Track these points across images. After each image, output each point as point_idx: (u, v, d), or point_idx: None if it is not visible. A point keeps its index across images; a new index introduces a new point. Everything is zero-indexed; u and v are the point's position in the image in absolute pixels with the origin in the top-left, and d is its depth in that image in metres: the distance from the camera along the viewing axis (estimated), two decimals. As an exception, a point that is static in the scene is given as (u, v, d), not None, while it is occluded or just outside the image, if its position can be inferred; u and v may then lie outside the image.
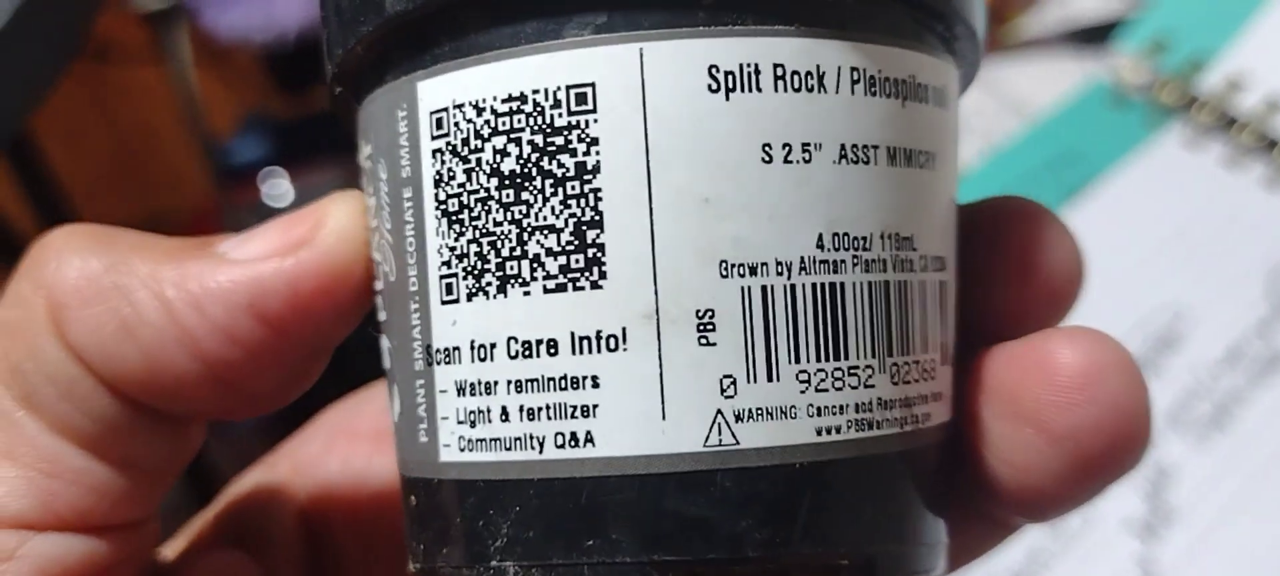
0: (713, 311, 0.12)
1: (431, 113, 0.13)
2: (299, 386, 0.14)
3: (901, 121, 0.12)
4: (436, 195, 0.13)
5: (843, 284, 0.12)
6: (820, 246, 0.12)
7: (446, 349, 0.13)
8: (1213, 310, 0.38)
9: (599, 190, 0.12)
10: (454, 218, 0.13)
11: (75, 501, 0.13)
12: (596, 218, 0.12)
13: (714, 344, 0.12)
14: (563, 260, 0.12)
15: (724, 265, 0.12)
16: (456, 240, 0.13)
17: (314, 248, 0.13)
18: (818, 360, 0.12)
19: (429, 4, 0.12)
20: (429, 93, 0.13)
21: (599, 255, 0.12)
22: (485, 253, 0.12)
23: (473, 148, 0.12)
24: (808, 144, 0.12)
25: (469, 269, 0.12)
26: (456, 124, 0.12)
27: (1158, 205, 0.40)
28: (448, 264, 0.13)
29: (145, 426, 0.13)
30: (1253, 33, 0.42)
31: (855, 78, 0.12)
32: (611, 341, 0.12)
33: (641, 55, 0.12)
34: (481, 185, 0.12)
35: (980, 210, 0.14)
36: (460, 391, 0.12)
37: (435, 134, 0.13)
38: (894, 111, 0.12)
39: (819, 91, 0.12)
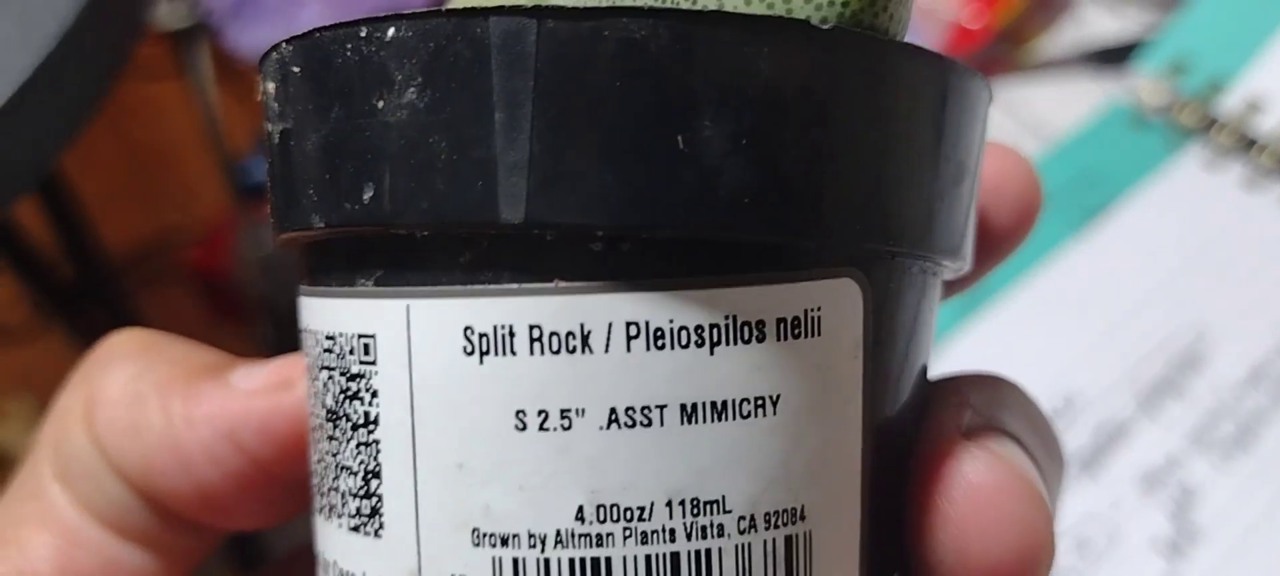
0: None
1: (302, 328, 0.13)
2: (278, 515, 0.15)
3: (706, 373, 0.11)
4: (309, 406, 0.13)
5: (609, 558, 0.11)
6: (580, 518, 0.11)
7: (317, 554, 0.13)
8: (1235, 331, 0.38)
9: (379, 443, 0.12)
10: (311, 434, 0.13)
11: (92, 571, 0.14)
12: (377, 469, 0.12)
13: None
14: (356, 504, 0.12)
15: (476, 533, 0.11)
16: (312, 457, 0.13)
17: (294, 391, 0.14)
18: None
19: (302, 235, 0.12)
20: (303, 308, 0.13)
21: (379, 506, 0.12)
22: (321, 477, 0.13)
23: (314, 375, 0.13)
24: (567, 410, 0.11)
25: (316, 487, 0.13)
26: (309, 347, 0.13)
27: (1178, 226, 0.41)
28: (312, 474, 0.13)
29: (160, 516, 0.15)
30: (1272, 54, 0.42)
31: (632, 333, 0.11)
32: None
33: (408, 312, 0.11)
34: (317, 411, 0.13)
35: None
36: None
37: (307, 349, 0.13)
38: (694, 363, 0.11)
39: (583, 353, 0.11)
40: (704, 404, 0.11)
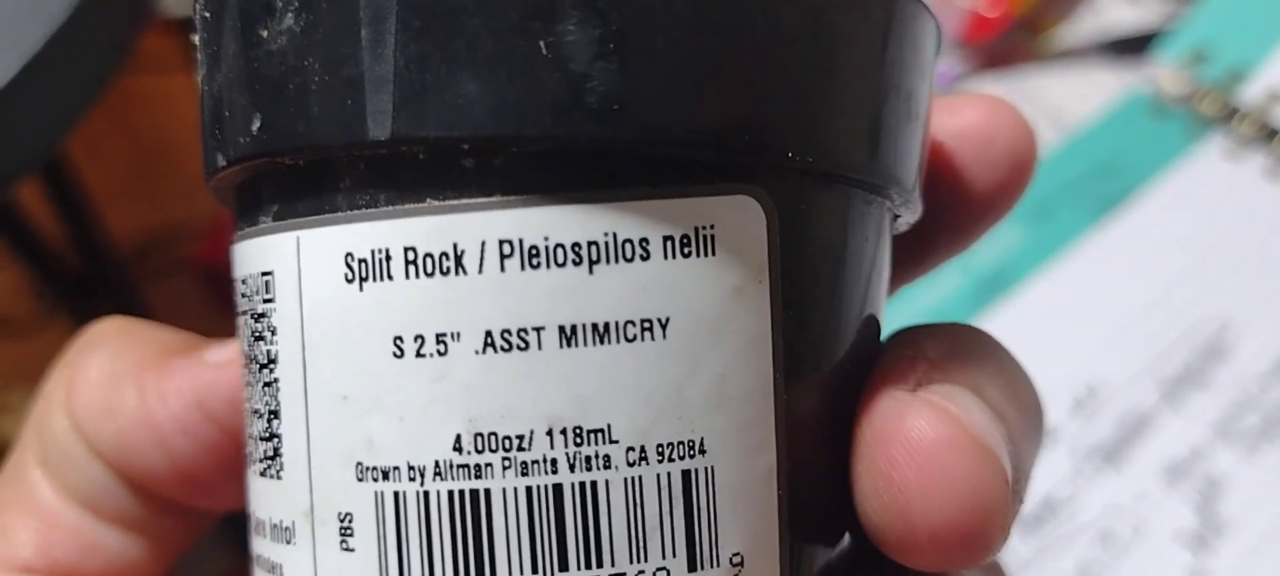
0: (351, 516, 0.11)
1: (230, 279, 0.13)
2: None
3: (586, 293, 0.11)
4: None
5: (489, 491, 0.11)
6: (458, 448, 0.11)
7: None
8: (1259, 322, 0.38)
9: (278, 381, 0.12)
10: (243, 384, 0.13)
11: (71, 555, 0.15)
12: (276, 409, 0.12)
13: (353, 550, 0.11)
14: (263, 447, 0.12)
15: (360, 467, 0.11)
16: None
17: None
18: None
19: (230, 171, 0.12)
20: (231, 259, 0.13)
21: (279, 447, 0.12)
22: (246, 428, 0.13)
23: (238, 325, 0.13)
24: (443, 334, 0.11)
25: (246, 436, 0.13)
26: (236, 298, 0.13)
27: (1199, 217, 0.40)
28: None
29: (140, 497, 0.15)
30: (1293, 44, 0.42)
31: (505, 252, 0.10)
32: (287, 535, 0.12)
33: (298, 244, 0.11)
34: (242, 356, 0.13)
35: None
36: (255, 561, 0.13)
37: (235, 301, 0.13)
38: (572, 282, 0.11)
39: (457, 274, 0.11)
40: (584, 326, 0.11)
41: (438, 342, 0.11)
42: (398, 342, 0.11)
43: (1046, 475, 0.35)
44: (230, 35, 0.11)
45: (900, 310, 0.37)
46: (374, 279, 0.11)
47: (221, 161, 0.12)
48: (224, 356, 0.15)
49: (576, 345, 0.11)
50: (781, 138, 0.11)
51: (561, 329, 0.11)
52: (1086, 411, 0.36)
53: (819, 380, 0.12)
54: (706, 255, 0.11)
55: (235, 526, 0.15)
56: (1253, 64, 0.42)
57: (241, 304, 0.12)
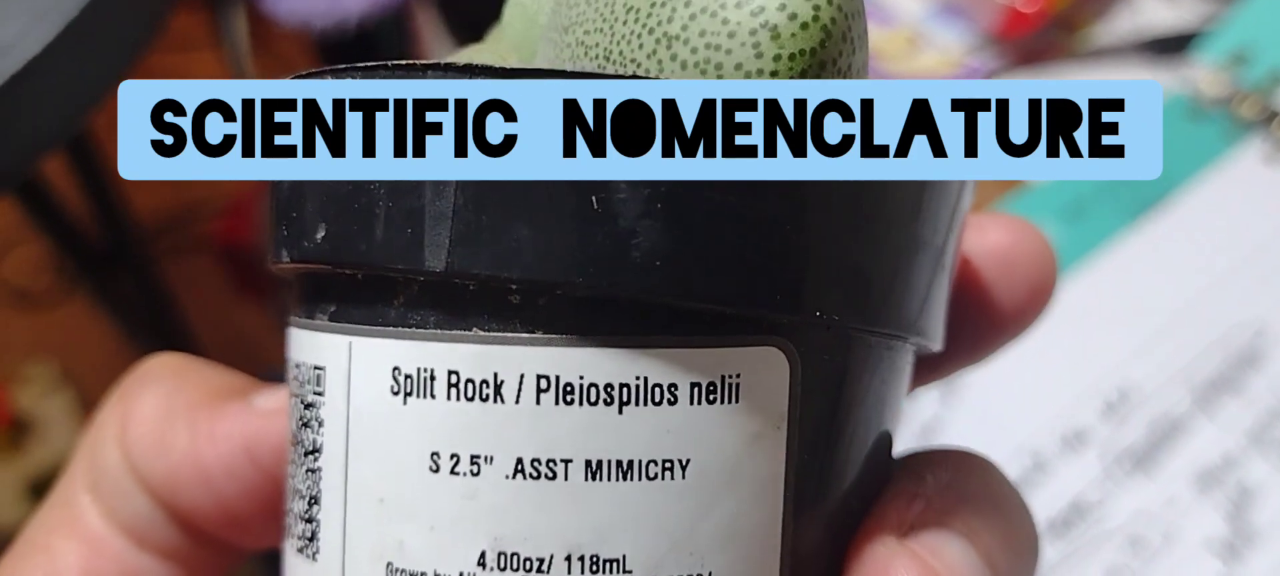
0: None
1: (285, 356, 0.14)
2: None
3: (614, 431, 0.11)
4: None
5: None
6: (482, 564, 0.11)
7: None
8: (1297, 328, 0.37)
9: (321, 470, 0.12)
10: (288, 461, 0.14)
11: None
12: (318, 495, 0.12)
13: None
14: (301, 527, 0.13)
15: (390, 568, 0.12)
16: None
17: None
18: None
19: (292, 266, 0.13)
20: (287, 336, 0.14)
21: (317, 531, 0.12)
22: (286, 498, 0.13)
23: (290, 401, 0.13)
24: (477, 456, 0.11)
25: (285, 507, 0.14)
26: (289, 374, 0.14)
27: (1237, 221, 0.40)
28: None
29: (183, 530, 0.16)
30: (1337, 47, 0.41)
31: (542, 386, 0.11)
32: None
33: (350, 348, 0.12)
34: (289, 436, 0.13)
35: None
36: None
37: (288, 376, 0.14)
38: (602, 420, 0.11)
39: (495, 401, 0.11)
40: (609, 462, 0.11)
41: (471, 463, 0.11)
42: (434, 457, 0.11)
43: (1076, 477, 0.35)
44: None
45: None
46: (418, 395, 0.12)
47: (285, 258, 0.13)
48: (272, 405, 0.15)
49: (601, 479, 0.11)
50: (812, 299, 0.12)
51: (588, 463, 0.11)
52: (1118, 415, 0.36)
53: (827, 512, 0.13)
54: (730, 402, 0.12)
55: (268, 563, 0.15)
56: (1294, 67, 0.41)
57: (294, 386, 0.13)
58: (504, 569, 0.11)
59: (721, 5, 0.11)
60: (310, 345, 0.13)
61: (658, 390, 0.11)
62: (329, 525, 0.12)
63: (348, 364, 0.12)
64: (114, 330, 0.44)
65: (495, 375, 0.11)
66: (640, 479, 0.11)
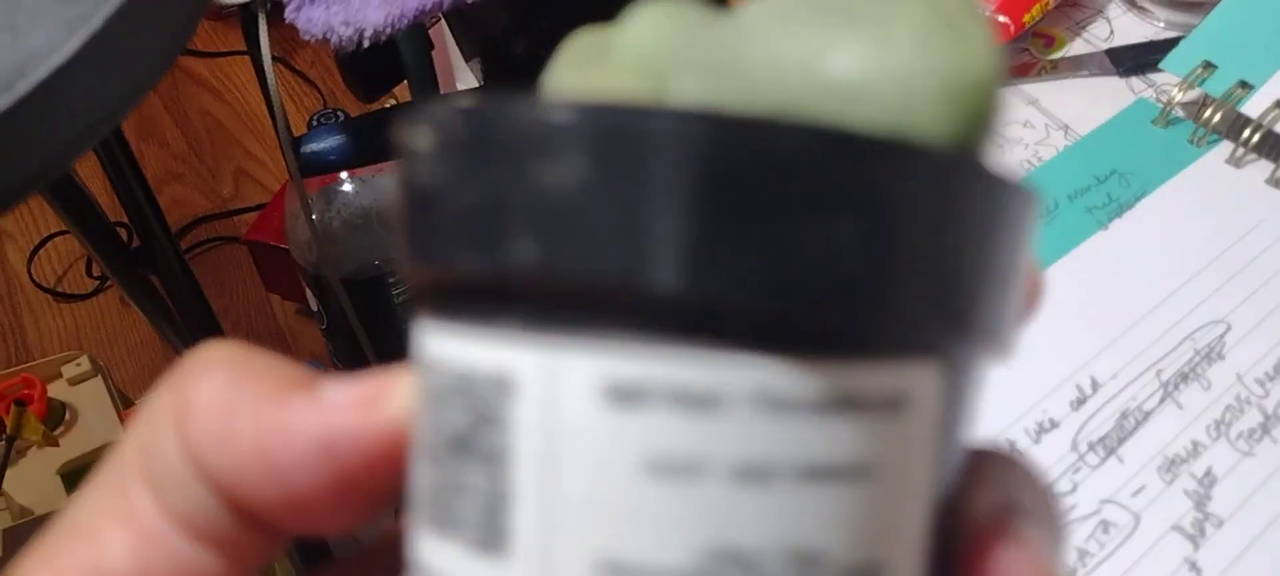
0: None
1: (424, 355, 0.14)
2: (354, 522, 0.16)
3: (820, 440, 0.12)
4: (423, 427, 0.14)
5: None
6: (695, 568, 0.12)
7: (418, 563, 0.14)
8: (1262, 326, 0.38)
9: (510, 472, 0.13)
10: (423, 451, 0.14)
11: (163, 572, 0.15)
12: (504, 493, 0.13)
13: None
14: (480, 522, 0.13)
15: (602, 567, 0.12)
16: (423, 474, 0.14)
17: (383, 408, 0.15)
18: None
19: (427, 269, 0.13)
20: (429, 336, 0.14)
21: (506, 529, 0.13)
22: (436, 495, 0.14)
23: (440, 399, 0.14)
24: (694, 463, 0.12)
25: (427, 502, 0.14)
26: (433, 374, 0.14)
27: (1204, 223, 0.41)
28: (418, 490, 0.14)
29: (241, 520, 0.15)
30: (1299, 58, 0.43)
31: (756, 398, 0.12)
32: None
33: (549, 356, 0.12)
34: (438, 433, 0.14)
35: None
36: None
37: (430, 375, 0.14)
38: (809, 430, 0.12)
39: (711, 412, 0.12)
40: (813, 466, 0.12)
41: (688, 469, 0.12)
42: (649, 465, 0.12)
43: (1048, 466, 0.36)
44: (494, 161, 0.13)
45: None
46: (631, 404, 0.12)
47: (472, 267, 0.13)
48: (345, 398, 0.15)
49: (808, 484, 0.12)
50: (964, 324, 0.13)
51: (795, 470, 0.12)
52: (1088, 405, 0.37)
53: (942, 507, 0.14)
54: (907, 413, 0.13)
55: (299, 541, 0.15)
56: (1259, 77, 0.43)
57: (459, 385, 0.13)
58: (722, 565, 0.12)
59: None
60: (489, 350, 0.13)
61: (855, 402, 0.12)
62: (523, 525, 0.13)
63: (546, 371, 0.12)
64: (145, 324, 0.45)
65: (712, 387, 0.12)
66: (841, 483, 0.12)
